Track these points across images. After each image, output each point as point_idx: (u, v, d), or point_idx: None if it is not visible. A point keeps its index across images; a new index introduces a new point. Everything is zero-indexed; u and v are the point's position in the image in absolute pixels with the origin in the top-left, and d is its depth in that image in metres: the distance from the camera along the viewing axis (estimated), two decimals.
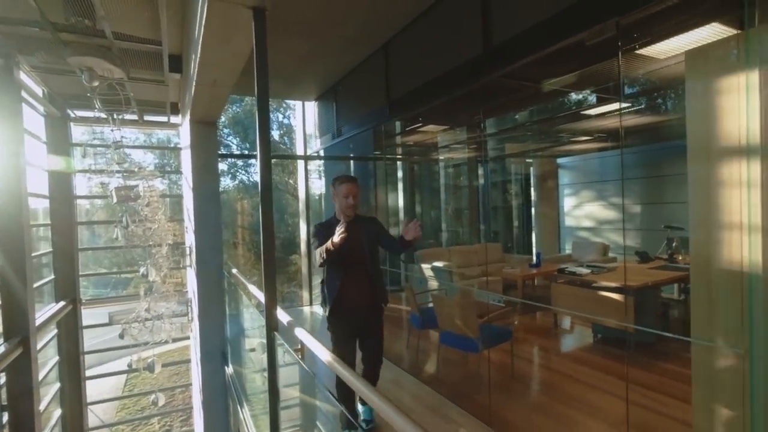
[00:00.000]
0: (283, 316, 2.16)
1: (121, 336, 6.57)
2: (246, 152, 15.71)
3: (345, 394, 2.60)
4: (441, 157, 7.63)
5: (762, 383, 1.51)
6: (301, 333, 1.83)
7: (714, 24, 2.06)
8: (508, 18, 2.56)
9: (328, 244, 2.43)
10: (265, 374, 2.12)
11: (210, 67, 2.78)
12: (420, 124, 5.14)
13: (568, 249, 7.48)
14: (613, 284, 3.97)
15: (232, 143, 15.80)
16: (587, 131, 5.73)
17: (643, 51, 2.38)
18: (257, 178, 2.15)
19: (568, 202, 7.77)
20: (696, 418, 1.80)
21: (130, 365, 6.41)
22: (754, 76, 1.52)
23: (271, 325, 2.06)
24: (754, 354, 1.52)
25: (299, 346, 1.85)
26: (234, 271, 3.92)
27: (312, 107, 6.31)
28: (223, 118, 14.80)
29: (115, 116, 7.29)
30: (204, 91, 3.31)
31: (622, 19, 1.88)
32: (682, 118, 1.83)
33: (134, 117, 7.43)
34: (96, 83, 4.59)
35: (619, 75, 2.22)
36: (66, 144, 6.31)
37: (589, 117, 4.66)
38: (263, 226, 2.09)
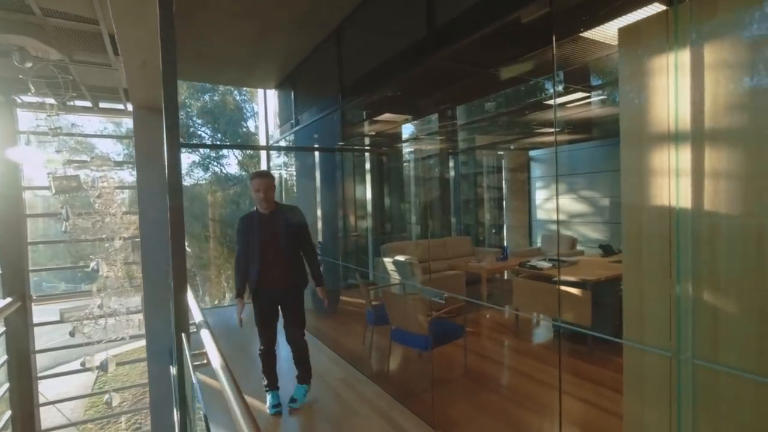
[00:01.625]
0: (197, 314, 2.00)
1: (72, 334, 6.27)
2: (217, 143, 15.28)
3: (267, 361, 3.01)
4: (411, 149, 7.48)
5: (688, 387, 1.41)
6: (205, 336, 1.66)
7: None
8: None
9: (239, 286, 2.95)
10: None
11: (132, 46, 2.57)
12: (383, 114, 4.97)
13: (539, 242, 7.45)
14: (571, 278, 3.89)
15: (205, 134, 15.39)
16: (551, 122, 5.64)
17: (587, 34, 2.26)
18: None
19: (539, 195, 7.72)
20: (627, 418, 1.70)
21: (83, 365, 6.14)
22: (683, 55, 1.40)
23: (180, 326, 1.89)
24: (680, 356, 1.41)
25: (203, 350, 1.68)
26: None
27: (273, 95, 6.08)
28: (194, 109, 14.38)
29: (65, 102, 6.90)
30: (135, 73, 3.08)
31: None
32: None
33: (87, 104, 7.07)
34: (29, 64, 4.28)
35: (553, 59, 2.07)
36: (12, 131, 5.96)
37: (550, 107, 4.55)
38: (172, 219, 1.90)
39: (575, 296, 3.79)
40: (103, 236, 6.31)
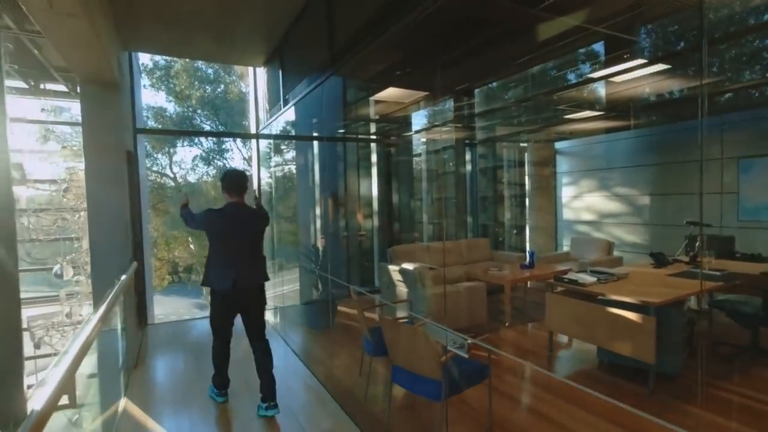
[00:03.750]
0: (45, 393, 1.19)
1: (37, 346, 5.62)
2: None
3: (219, 360, 3.02)
4: (422, 140, 6.63)
5: None
6: None
7: None
8: None
9: None
10: None
11: None
12: (387, 89, 4.11)
13: (566, 246, 6.57)
14: (630, 300, 3.02)
15: (208, 126, 14.72)
16: (592, 102, 4.71)
17: None
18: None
19: (566, 192, 6.83)
20: None
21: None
22: None
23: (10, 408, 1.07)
24: None
25: None
26: (123, 277, 2.93)
27: (263, 74, 5.26)
28: (194, 100, 13.71)
29: (37, 85, 6.24)
30: (51, 26, 2.28)
31: None
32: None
33: (62, 87, 6.41)
34: None
35: None
36: None
37: (596, 80, 3.65)
38: None
39: (633, 323, 2.91)
40: (73, 236, 5.62)
